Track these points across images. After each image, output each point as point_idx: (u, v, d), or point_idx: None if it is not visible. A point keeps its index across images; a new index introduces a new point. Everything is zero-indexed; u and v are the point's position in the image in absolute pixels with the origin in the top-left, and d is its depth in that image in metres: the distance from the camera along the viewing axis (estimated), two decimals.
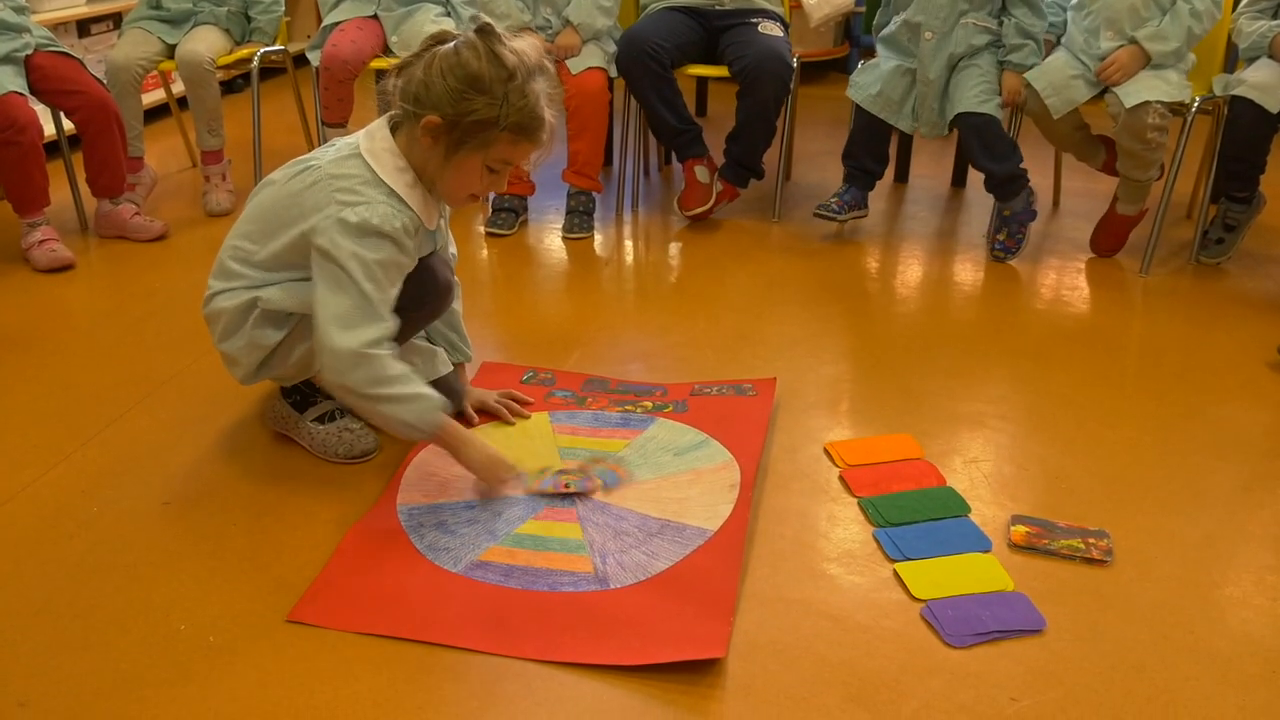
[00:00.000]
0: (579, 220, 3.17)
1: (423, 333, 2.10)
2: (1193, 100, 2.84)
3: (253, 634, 1.51)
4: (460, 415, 2.06)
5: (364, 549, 1.69)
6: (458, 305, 2.14)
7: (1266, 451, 2.06)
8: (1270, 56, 2.80)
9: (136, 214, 3.07)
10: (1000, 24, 2.94)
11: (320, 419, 1.97)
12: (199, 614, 1.55)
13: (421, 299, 1.89)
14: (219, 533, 1.74)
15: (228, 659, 1.46)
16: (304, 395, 1.99)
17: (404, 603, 1.57)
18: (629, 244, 3.18)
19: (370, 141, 1.78)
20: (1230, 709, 1.41)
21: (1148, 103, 2.71)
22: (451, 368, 2.06)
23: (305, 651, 1.48)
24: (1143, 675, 1.47)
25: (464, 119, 1.69)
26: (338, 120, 3.27)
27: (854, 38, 5.28)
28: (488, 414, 2.10)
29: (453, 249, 2.11)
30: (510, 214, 3.17)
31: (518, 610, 1.56)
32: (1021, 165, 2.95)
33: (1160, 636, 1.55)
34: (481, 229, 3.21)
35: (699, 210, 3.22)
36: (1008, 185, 2.96)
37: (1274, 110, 2.69)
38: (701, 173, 3.23)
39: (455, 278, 2.05)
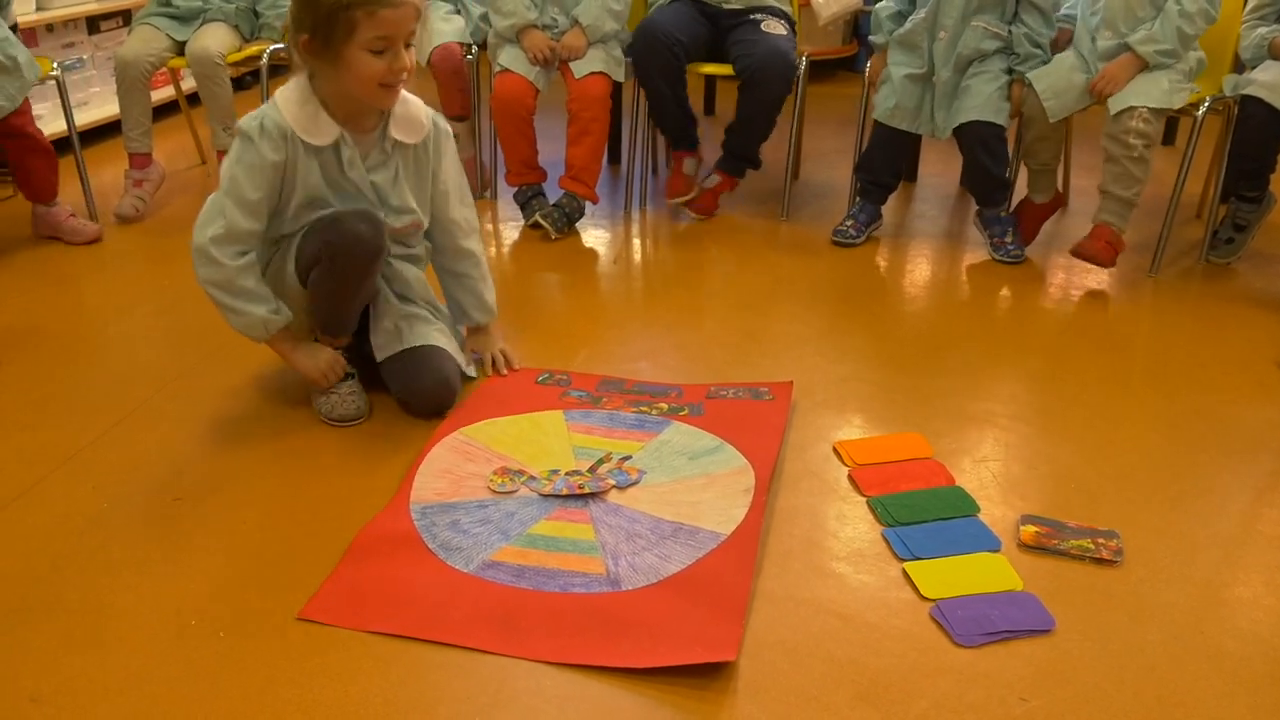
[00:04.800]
0: (559, 216, 3.13)
1: (423, 303, 2.17)
2: (1200, 101, 2.84)
3: (264, 631, 1.51)
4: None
5: (376, 548, 1.69)
6: (474, 270, 2.24)
7: (1277, 451, 2.06)
8: (1273, 58, 2.79)
9: (71, 215, 3.08)
10: (1010, 32, 2.94)
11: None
12: (210, 610, 1.55)
13: (331, 254, 1.95)
14: (230, 530, 1.75)
15: (238, 656, 1.47)
16: None
17: (415, 602, 1.57)
18: (636, 242, 3.18)
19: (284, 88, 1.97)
20: (1240, 709, 1.41)
21: (1133, 107, 2.70)
22: (445, 344, 2.14)
23: (316, 649, 1.48)
24: (1153, 675, 1.47)
25: (320, 21, 1.83)
26: None
27: (863, 36, 5.27)
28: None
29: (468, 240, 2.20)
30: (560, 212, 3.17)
31: (529, 611, 1.56)
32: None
33: (1170, 637, 1.55)
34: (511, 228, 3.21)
35: (680, 200, 3.30)
36: (1002, 189, 3.03)
37: None
38: (689, 165, 3.31)
39: (381, 241, 2.01)
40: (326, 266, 1.97)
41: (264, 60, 3.32)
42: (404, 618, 1.54)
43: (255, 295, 1.98)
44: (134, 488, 1.86)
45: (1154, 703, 1.42)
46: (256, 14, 3.41)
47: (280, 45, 3.39)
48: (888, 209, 3.28)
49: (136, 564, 1.66)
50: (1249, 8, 2.91)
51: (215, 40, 3.21)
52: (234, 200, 1.92)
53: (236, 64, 3.31)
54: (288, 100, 1.93)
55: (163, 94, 4.03)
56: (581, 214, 3.20)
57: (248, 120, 1.92)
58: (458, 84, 3.33)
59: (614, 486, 1.85)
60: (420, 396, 2.08)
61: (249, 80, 4.85)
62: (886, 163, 3.14)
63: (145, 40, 3.22)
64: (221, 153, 3.32)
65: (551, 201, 3.19)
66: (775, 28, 3.16)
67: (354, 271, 2.00)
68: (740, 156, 3.26)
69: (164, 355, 2.36)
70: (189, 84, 4.03)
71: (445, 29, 3.33)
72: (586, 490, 1.83)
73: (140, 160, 3.23)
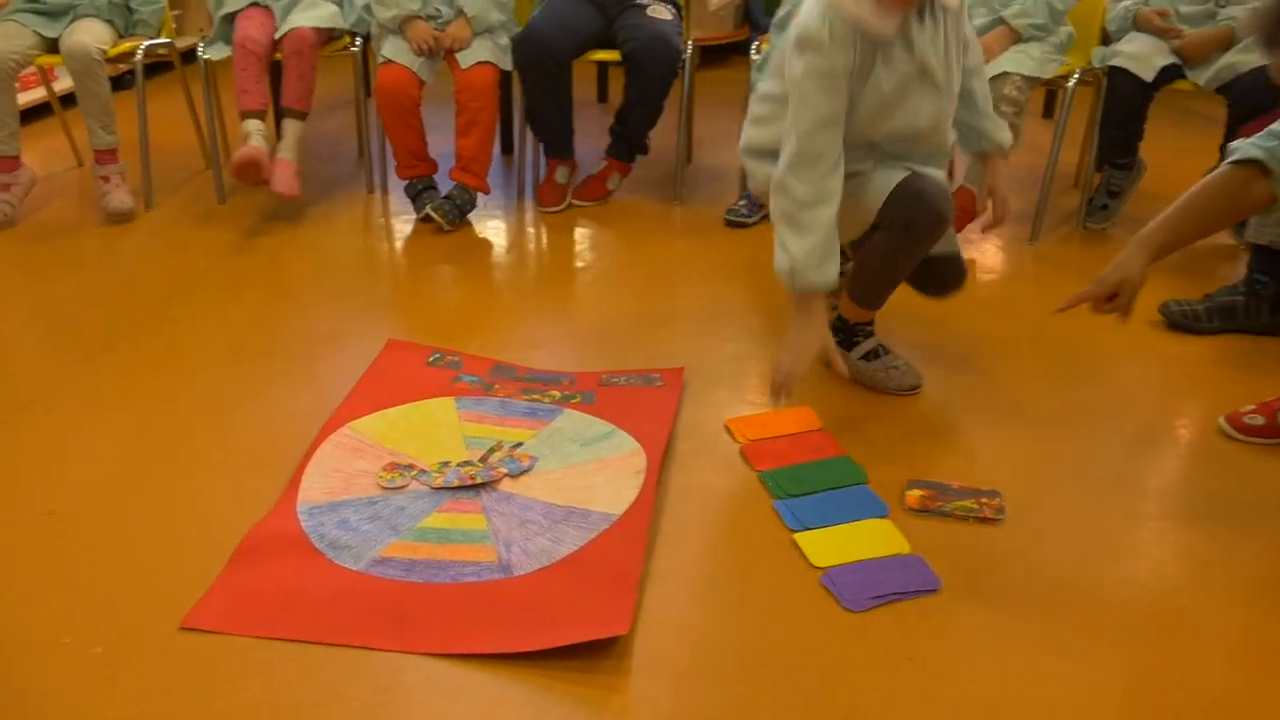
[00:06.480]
0: (450, 208, 3.08)
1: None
2: (1071, 72, 2.93)
3: (144, 643, 1.47)
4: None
5: (261, 551, 1.65)
6: (978, 85, 2.11)
7: (1150, 405, 2.15)
8: (1137, 30, 2.91)
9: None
10: None
11: (865, 357, 2.16)
12: (85, 626, 1.50)
13: (907, 224, 1.92)
14: (108, 541, 1.69)
15: (116, 671, 1.42)
16: (848, 334, 2.16)
17: (302, 604, 1.54)
18: (530, 230, 3.16)
19: None
20: (1117, 652, 1.47)
21: (1006, 74, 2.78)
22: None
23: (199, 658, 1.44)
24: (1035, 626, 1.52)
25: None
26: (257, 106, 3.14)
27: (754, 21, 5.31)
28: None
29: (971, 59, 2.06)
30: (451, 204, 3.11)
31: (419, 604, 1.54)
32: None
33: (1051, 589, 1.60)
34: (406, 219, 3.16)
35: (555, 209, 3.26)
36: None
37: (1148, 79, 2.79)
38: (561, 173, 3.29)
39: (947, 206, 1.95)
40: (898, 236, 1.93)
41: (139, 57, 3.21)
42: (291, 620, 1.51)
43: (807, 230, 1.81)
44: (4, 502, 1.79)
45: (1036, 653, 1.47)
46: (130, 9, 3.30)
47: (157, 41, 3.28)
48: None
49: (5, 581, 1.59)
50: None
51: (91, 35, 3.09)
52: (805, 117, 1.79)
53: (111, 61, 3.20)
54: None
55: (35, 95, 3.87)
56: (473, 205, 3.16)
57: (806, 28, 1.77)
58: (299, 70, 3.11)
59: (506, 475, 1.84)
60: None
61: (127, 79, 4.68)
62: None
63: (9, 37, 3.08)
64: (101, 153, 3.19)
65: (443, 194, 3.15)
66: (660, 12, 3.16)
67: (925, 245, 1.97)
68: (628, 142, 3.27)
69: (37, 365, 2.27)
70: (61, 84, 3.89)
71: (306, 14, 3.15)
72: (478, 480, 1.82)
73: (7, 163, 3.09)
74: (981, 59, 2.12)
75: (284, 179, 3.03)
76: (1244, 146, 1.75)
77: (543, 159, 3.36)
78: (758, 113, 2.04)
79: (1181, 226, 1.80)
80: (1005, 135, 2.16)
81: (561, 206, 3.27)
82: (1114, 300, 1.83)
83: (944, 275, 2.14)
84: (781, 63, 1.90)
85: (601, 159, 3.33)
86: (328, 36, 3.24)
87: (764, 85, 2.04)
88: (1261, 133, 1.76)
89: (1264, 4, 1.57)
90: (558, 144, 3.28)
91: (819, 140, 1.80)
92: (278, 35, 3.13)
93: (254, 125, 3.07)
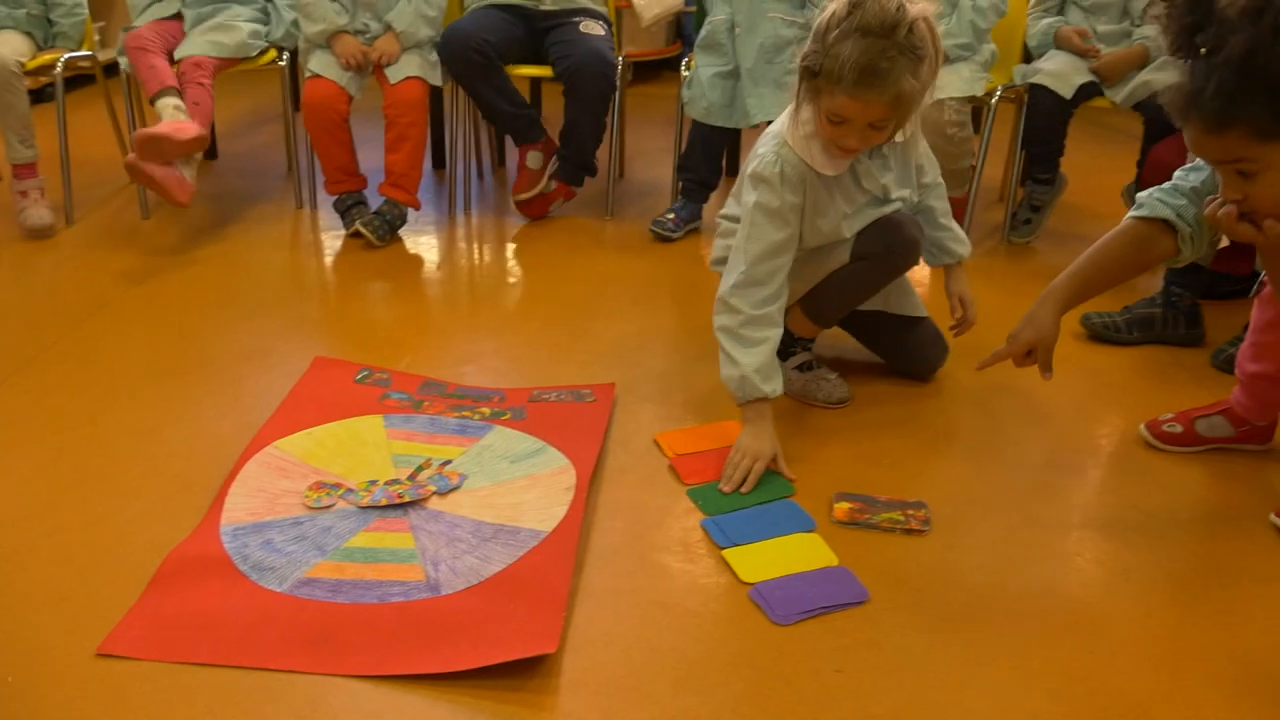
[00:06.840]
0: (380, 224, 3.05)
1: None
2: (994, 90, 3.00)
3: (59, 671, 1.42)
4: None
5: (183, 574, 1.62)
6: (936, 202, 2.21)
7: (1072, 415, 2.19)
8: (1057, 48, 2.98)
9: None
10: (806, 19, 3.03)
11: (799, 368, 2.17)
12: None
13: (887, 252, 2.05)
14: (24, 566, 1.64)
15: (29, 700, 1.37)
16: (787, 344, 2.13)
17: (225, 627, 1.51)
18: (462, 246, 3.15)
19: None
20: (1041, 659, 1.49)
21: (941, 100, 2.84)
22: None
23: (116, 685, 1.40)
24: (961, 636, 1.54)
25: (806, 71, 1.83)
26: (166, 83, 2.99)
27: (686, 37, 5.35)
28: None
29: (927, 177, 2.18)
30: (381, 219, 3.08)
31: (345, 625, 1.51)
32: None
33: (976, 599, 1.62)
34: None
35: (526, 195, 3.24)
36: None
37: (1068, 96, 2.86)
38: (533, 158, 3.24)
39: (920, 234, 2.10)
40: (876, 260, 2.04)
41: (59, 69, 3.14)
42: (213, 644, 1.47)
43: (759, 348, 1.91)
44: None
45: (962, 661, 1.48)
46: (50, 21, 3.23)
47: (78, 54, 3.21)
48: (708, 205, 3.33)
49: None
50: (1034, 1, 3.09)
51: (9, 47, 3.02)
52: (752, 246, 1.92)
53: (31, 73, 3.12)
54: (796, 137, 1.92)
55: None
56: (403, 221, 3.14)
57: (763, 166, 1.92)
58: (195, 96, 2.96)
59: (434, 493, 1.82)
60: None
61: (50, 92, 4.57)
62: (706, 160, 3.19)
63: None
64: (19, 167, 3.11)
65: (373, 209, 3.12)
66: (593, 29, 3.17)
67: (894, 274, 2.12)
68: (575, 163, 3.26)
69: None
70: None
71: (207, 38, 3.07)
72: (406, 499, 1.80)
73: None
74: (938, 175, 2.21)
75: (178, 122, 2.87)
76: (1150, 203, 1.79)
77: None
78: (722, 228, 2.20)
79: (1088, 280, 1.87)
80: (964, 248, 2.26)
81: (535, 191, 3.24)
82: (1031, 355, 1.87)
83: (924, 346, 2.26)
84: (740, 189, 2.07)
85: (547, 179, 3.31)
86: (238, 60, 3.18)
87: (726, 207, 2.19)
88: (1165, 188, 1.80)
89: (1177, 82, 1.62)
90: (520, 129, 3.24)
91: (764, 268, 1.93)
92: (178, 55, 3.06)
93: (165, 102, 2.94)
